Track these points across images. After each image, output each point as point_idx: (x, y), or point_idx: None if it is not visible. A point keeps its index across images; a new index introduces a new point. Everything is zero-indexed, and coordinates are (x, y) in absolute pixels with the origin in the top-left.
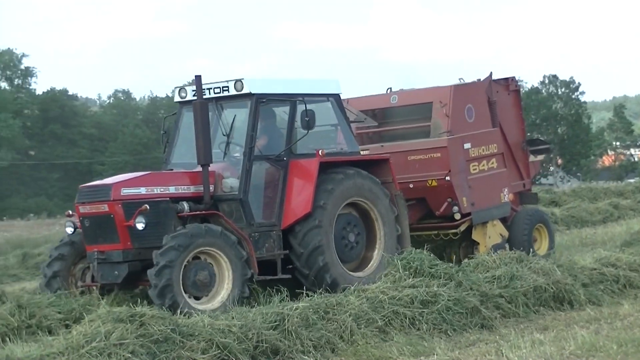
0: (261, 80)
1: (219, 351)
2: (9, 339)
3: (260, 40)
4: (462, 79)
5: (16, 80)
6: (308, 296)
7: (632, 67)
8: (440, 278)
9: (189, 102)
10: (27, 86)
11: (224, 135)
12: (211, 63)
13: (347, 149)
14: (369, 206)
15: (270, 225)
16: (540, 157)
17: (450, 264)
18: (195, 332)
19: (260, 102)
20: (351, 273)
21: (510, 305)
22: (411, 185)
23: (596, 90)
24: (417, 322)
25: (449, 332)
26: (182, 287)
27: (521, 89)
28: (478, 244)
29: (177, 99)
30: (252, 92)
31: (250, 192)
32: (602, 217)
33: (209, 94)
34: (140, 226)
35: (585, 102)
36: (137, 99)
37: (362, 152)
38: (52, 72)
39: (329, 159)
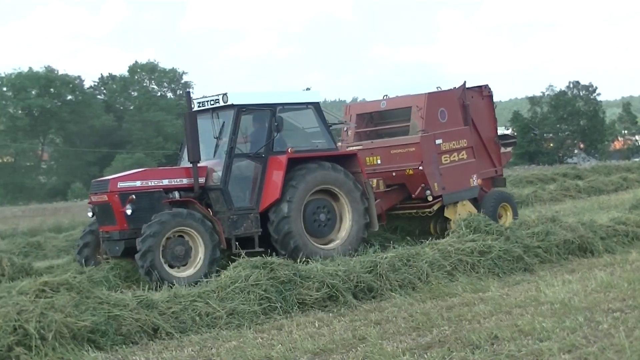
0: (244, 93)
1: (329, 289)
2: (175, 281)
3: (358, 58)
4: (439, 87)
5: (178, 91)
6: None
7: (637, 73)
8: (493, 234)
9: (200, 111)
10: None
11: (214, 138)
12: (321, 77)
13: (326, 147)
14: (338, 192)
15: (248, 209)
16: (509, 149)
17: (501, 224)
18: (311, 275)
19: (242, 111)
20: (317, 245)
21: (546, 254)
22: (394, 174)
23: (609, 92)
24: (476, 267)
25: (500, 274)
26: (163, 261)
27: (551, 92)
28: (450, 220)
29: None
30: (234, 103)
31: (231, 183)
32: (614, 187)
33: (207, 105)
34: (128, 212)
35: (600, 101)
36: None
37: (355, 148)
38: (205, 85)
39: (297, 155)
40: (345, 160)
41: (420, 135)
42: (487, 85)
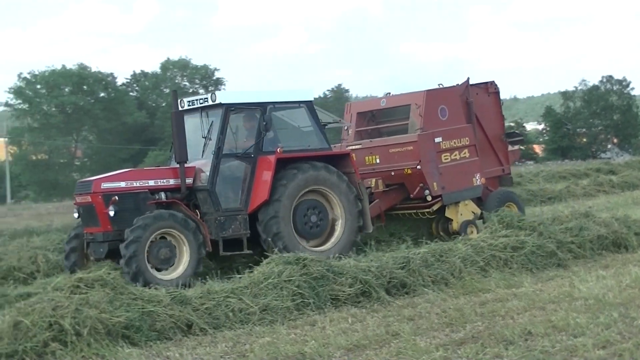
0: (233, 92)
1: (361, 285)
2: (209, 278)
3: (386, 54)
4: (441, 84)
5: (210, 87)
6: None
7: None
8: (526, 229)
9: (187, 110)
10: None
11: (203, 137)
12: (351, 73)
13: (318, 146)
14: (329, 192)
15: (236, 210)
16: (517, 147)
17: (534, 219)
18: (343, 271)
19: (230, 110)
20: (307, 247)
21: (580, 249)
22: (392, 173)
23: None
24: (509, 263)
25: (533, 270)
26: (148, 265)
27: (584, 87)
28: (452, 220)
29: (179, 108)
30: (222, 102)
31: (219, 184)
32: None
33: (197, 104)
34: (111, 213)
35: (634, 96)
36: None
37: (354, 147)
38: (236, 81)
39: (286, 155)
40: (338, 160)
41: (418, 134)
42: (493, 81)
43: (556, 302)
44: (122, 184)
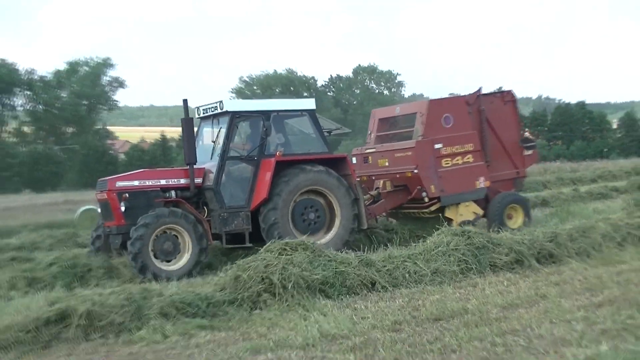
0: (240, 101)
1: (516, 255)
2: (389, 245)
3: (551, 56)
4: (452, 93)
5: (392, 89)
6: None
7: None
8: None
9: (205, 117)
10: (400, 93)
11: (212, 142)
12: (517, 76)
13: (318, 151)
14: (327, 192)
15: (240, 207)
16: (531, 152)
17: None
18: (501, 242)
19: (236, 117)
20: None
21: None
22: (397, 175)
23: None
24: None
25: None
26: (153, 259)
27: None
28: (452, 220)
29: (196, 115)
30: (229, 110)
31: (224, 184)
32: None
33: (209, 112)
34: (122, 209)
35: None
36: None
37: (369, 151)
38: (415, 83)
39: (285, 158)
40: (336, 163)
41: (416, 141)
42: (510, 91)
43: None
44: (135, 183)
